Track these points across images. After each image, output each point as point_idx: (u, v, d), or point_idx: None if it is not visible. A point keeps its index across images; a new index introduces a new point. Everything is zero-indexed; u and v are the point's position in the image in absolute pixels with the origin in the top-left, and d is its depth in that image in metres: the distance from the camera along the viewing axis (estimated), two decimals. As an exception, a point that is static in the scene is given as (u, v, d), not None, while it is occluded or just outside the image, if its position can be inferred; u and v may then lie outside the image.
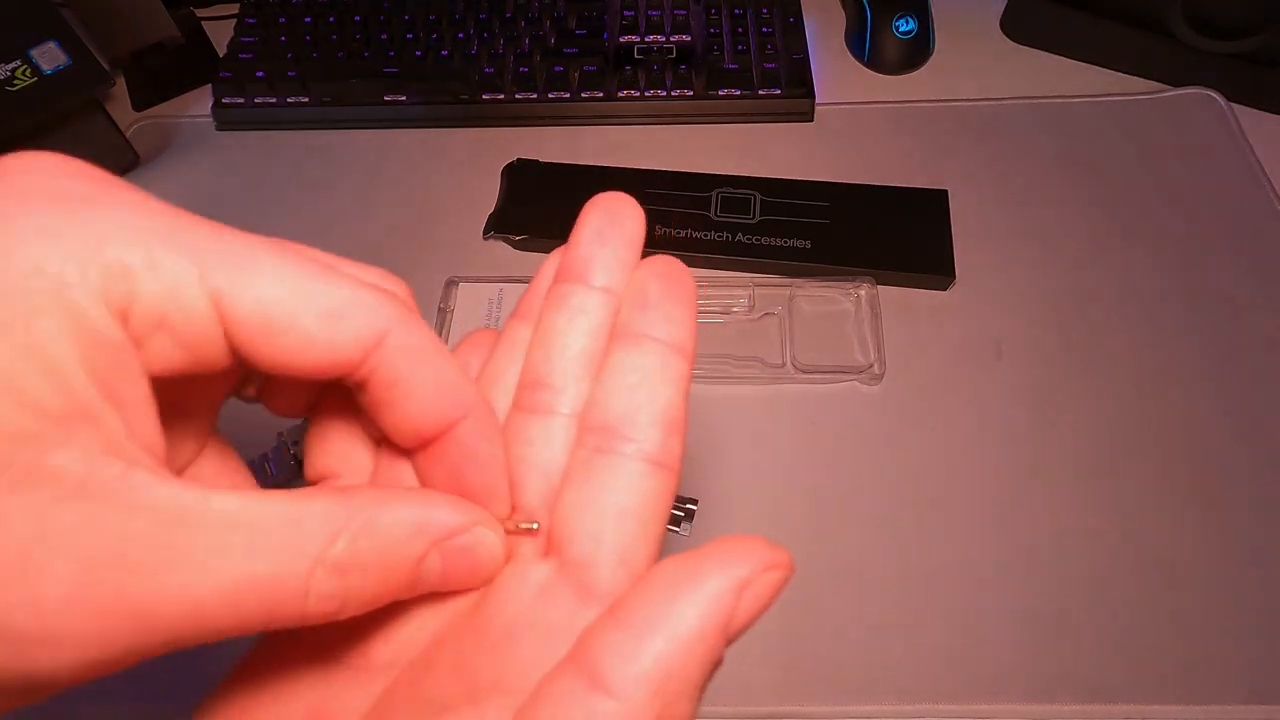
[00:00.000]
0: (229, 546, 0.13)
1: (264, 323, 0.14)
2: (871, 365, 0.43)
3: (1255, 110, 0.54)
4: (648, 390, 0.16)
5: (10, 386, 0.12)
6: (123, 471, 0.12)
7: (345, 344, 0.15)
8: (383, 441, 0.18)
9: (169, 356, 0.14)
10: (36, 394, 0.12)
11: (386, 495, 0.15)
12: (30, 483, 0.11)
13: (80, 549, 0.12)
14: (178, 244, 0.14)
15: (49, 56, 0.47)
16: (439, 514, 0.15)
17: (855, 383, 0.44)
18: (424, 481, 0.17)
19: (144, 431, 0.13)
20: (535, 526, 0.17)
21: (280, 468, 0.41)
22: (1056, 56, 0.57)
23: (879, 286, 0.46)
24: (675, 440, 0.16)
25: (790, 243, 0.47)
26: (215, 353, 0.14)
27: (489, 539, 0.16)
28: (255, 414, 0.19)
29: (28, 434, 0.12)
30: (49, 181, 0.13)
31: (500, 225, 0.49)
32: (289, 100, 0.55)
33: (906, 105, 0.55)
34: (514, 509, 0.17)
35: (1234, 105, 0.53)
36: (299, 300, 0.14)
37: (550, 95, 0.54)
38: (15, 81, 0.46)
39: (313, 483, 0.18)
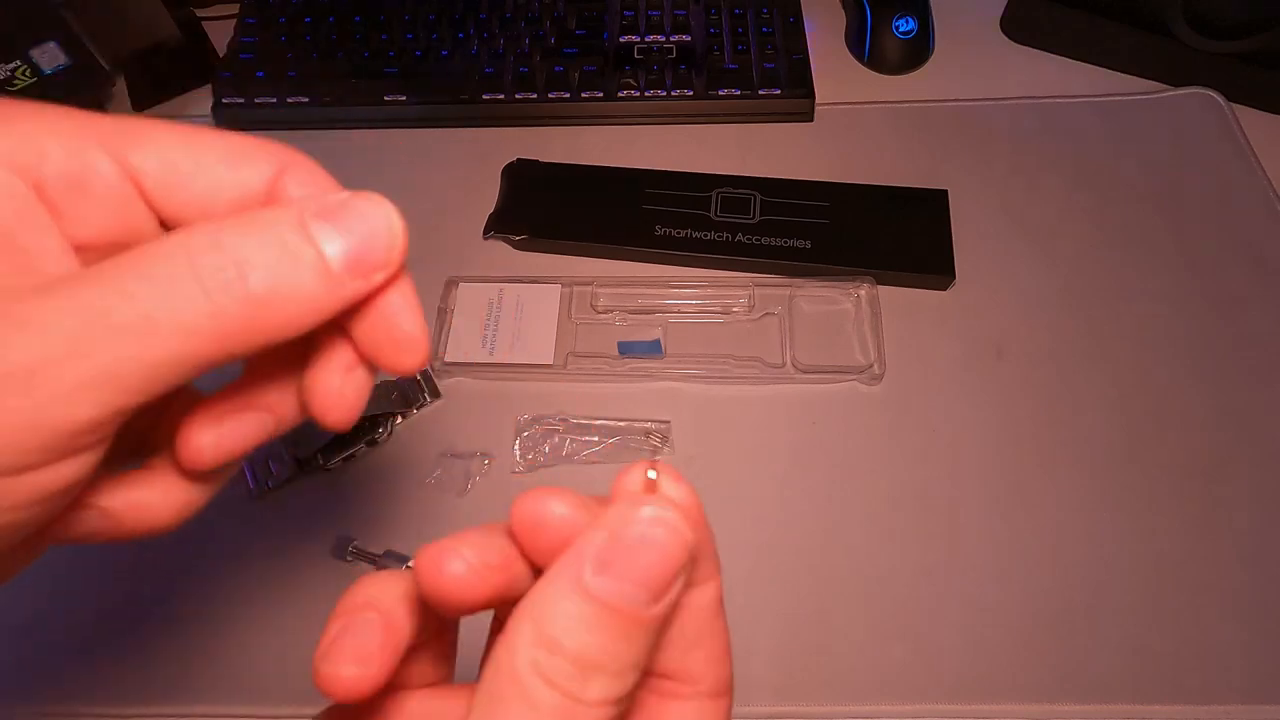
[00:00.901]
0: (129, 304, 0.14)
1: (172, 175, 0.16)
2: (871, 365, 0.43)
3: (1255, 110, 0.54)
4: None
5: None
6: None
7: (250, 178, 0.16)
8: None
9: (95, 221, 0.16)
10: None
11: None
12: None
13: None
14: (85, 127, 0.16)
15: (49, 56, 0.47)
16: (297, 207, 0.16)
17: (855, 383, 0.44)
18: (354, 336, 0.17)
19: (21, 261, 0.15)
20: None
21: (280, 466, 0.41)
22: (1056, 56, 0.58)
23: (879, 286, 0.46)
24: None
25: (790, 243, 0.47)
26: (138, 215, 0.16)
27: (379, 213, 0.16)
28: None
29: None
30: None
31: (500, 225, 0.49)
32: (289, 100, 0.55)
33: (906, 105, 0.55)
34: None
35: (1234, 105, 0.53)
36: (200, 151, 0.16)
37: (550, 95, 0.54)
38: (15, 81, 0.46)
39: None
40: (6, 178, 0.15)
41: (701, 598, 0.17)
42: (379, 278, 0.16)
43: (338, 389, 0.17)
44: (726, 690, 0.18)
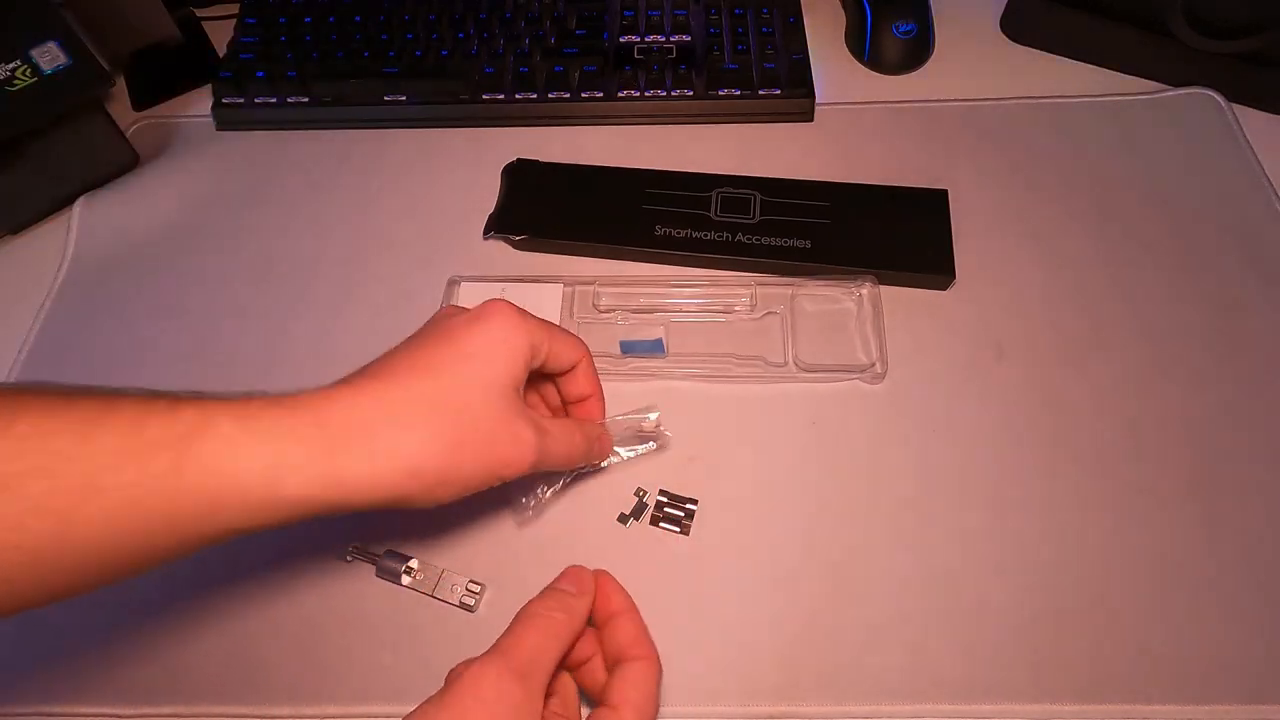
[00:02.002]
0: (561, 430, 0.35)
1: (557, 355, 0.36)
2: (873, 364, 0.43)
3: (1255, 110, 0.54)
4: None
5: (507, 367, 0.32)
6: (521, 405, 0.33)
7: (576, 358, 0.37)
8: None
9: (534, 361, 0.34)
10: (511, 370, 0.33)
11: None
12: (503, 407, 0.32)
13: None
14: (540, 331, 0.34)
15: (49, 56, 0.47)
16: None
17: (858, 382, 0.44)
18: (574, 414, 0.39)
19: (521, 386, 0.34)
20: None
21: None
22: (1056, 56, 0.58)
23: (880, 286, 0.46)
24: None
25: (790, 243, 0.47)
26: (539, 364, 0.35)
27: (609, 438, 0.39)
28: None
29: (507, 393, 0.32)
30: (509, 309, 0.34)
31: (500, 225, 0.49)
32: (289, 100, 0.55)
33: (906, 105, 0.55)
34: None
35: (1234, 105, 0.53)
36: (564, 345, 0.36)
37: (550, 95, 0.54)
38: (15, 81, 0.46)
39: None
40: (530, 355, 0.34)
41: (623, 618, 0.33)
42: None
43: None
44: (649, 657, 0.32)
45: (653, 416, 0.40)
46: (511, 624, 0.31)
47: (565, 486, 0.40)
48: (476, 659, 0.29)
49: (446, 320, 0.34)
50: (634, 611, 0.33)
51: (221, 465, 0.26)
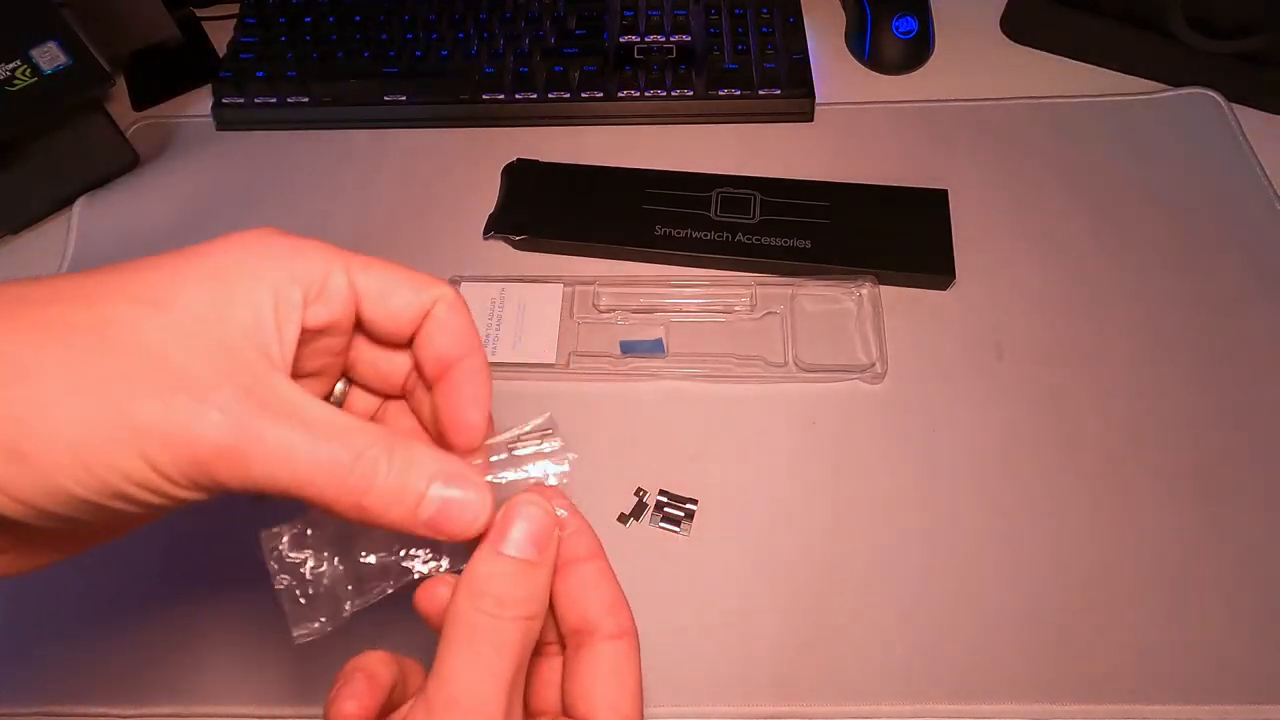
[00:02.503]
0: (306, 427, 0.20)
1: (379, 293, 0.23)
2: (873, 364, 0.43)
3: (1255, 110, 0.54)
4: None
5: (246, 329, 0.20)
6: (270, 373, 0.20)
7: (424, 302, 0.24)
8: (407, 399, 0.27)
9: (321, 316, 0.22)
10: (258, 333, 0.20)
11: (419, 441, 0.22)
12: (240, 374, 0.19)
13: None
14: (336, 258, 0.23)
15: (49, 56, 0.47)
16: (448, 463, 0.22)
17: (858, 381, 0.44)
18: (436, 412, 0.25)
19: (283, 353, 0.21)
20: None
21: None
22: (1056, 56, 0.58)
23: (880, 286, 0.46)
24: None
25: (790, 242, 0.47)
26: (347, 315, 0.23)
27: (475, 500, 0.22)
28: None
29: (247, 354, 0.20)
30: (271, 240, 0.22)
31: (500, 225, 0.49)
32: (289, 100, 0.55)
33: (906, 105, 0.55)
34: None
35: (1234, 105, 0.53)
36: (400, 281, 0.23)
37: (550, 95, 0.54)
38: (15, 81, 0.46)
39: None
40: (293, 291, 0.21)
41: (588, 568, 0.24)
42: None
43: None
44: (628, 632, 0.24)
45: (537, 422, 0.26)
46: (440, 643, 0.21)
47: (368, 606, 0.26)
48: None
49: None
50: (602, 559, 0.24)
51: None
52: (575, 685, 0.23)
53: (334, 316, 0.23)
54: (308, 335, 0.22)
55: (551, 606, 0.24)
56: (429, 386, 0.25)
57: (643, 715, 0.23)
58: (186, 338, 0.19)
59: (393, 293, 0.23)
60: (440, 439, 0.25)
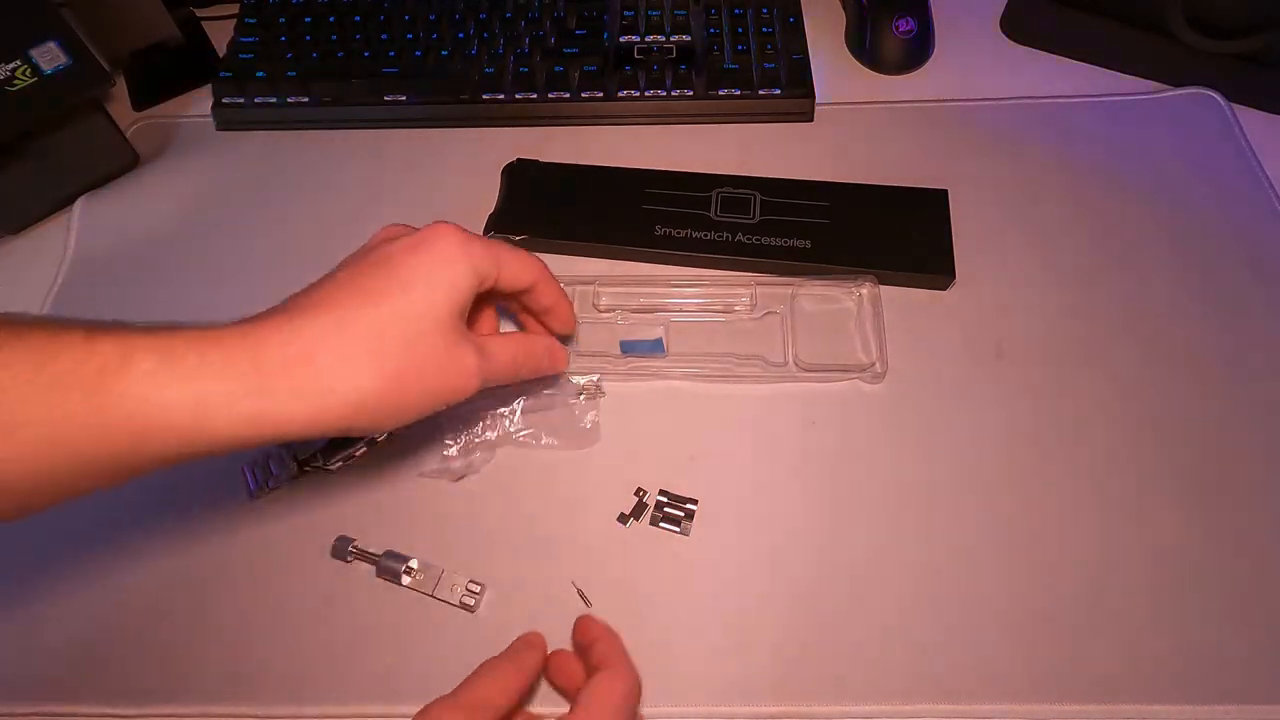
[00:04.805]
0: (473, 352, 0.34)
1: (513, 277, 0.36)
2: (874, 364, 0.43)
3: (1255, 110, 0.54)
4: None
5: (448, 295, 0.32)
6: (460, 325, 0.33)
7: (533, 277, 0.37)
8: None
9: (482, 290, 0.35)
10: (454, 298, 0.33)
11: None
12: (446, 334, 0.32)
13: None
14: (493, 255, 0.35)
15: (49, 56, 0.47)
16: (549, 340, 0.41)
17: (857, 381, 0.44)
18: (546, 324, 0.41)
19: (465, 312, 0.34)
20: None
21: (280, 468, 0.41)
22: (1056, 56, 0.58)
23: (880, 286, 0.46)
24: None
25: (790, 243, 0.47)
26: (492, 286, 0.35)
27: (563, 352, 0.41)
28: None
29: (450, 320, 0.33)
30: (457, 243, 0.34)
31: (500, 225, 0.49)
32: (289, 100, 0.55)
33: (906, 105, 0.55)
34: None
35: (1234, 105, 0.53)
36: (521, 267, 0.37)
37: (550, 95, 0.54)
38: (15, 81, 0.46)
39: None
40: (476, 281, 0.34)
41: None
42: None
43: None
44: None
45: (592, 379, 0.43)
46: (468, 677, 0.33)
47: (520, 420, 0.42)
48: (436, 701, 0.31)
49: (387, 245, 0.33)
50: (612, 635, 0.35)
51: (144, 403, 0.26)
52: (578, 696, 0.32)
53: (488, 289, 0.35)
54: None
55: (586, 666, 0.35)
56: (537, 315, 0.40)
57: (618, 715, 0.31)
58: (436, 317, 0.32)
59: (520, 274, 0.36)
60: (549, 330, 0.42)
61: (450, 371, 0.32)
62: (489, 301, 0.39)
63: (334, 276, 0.33)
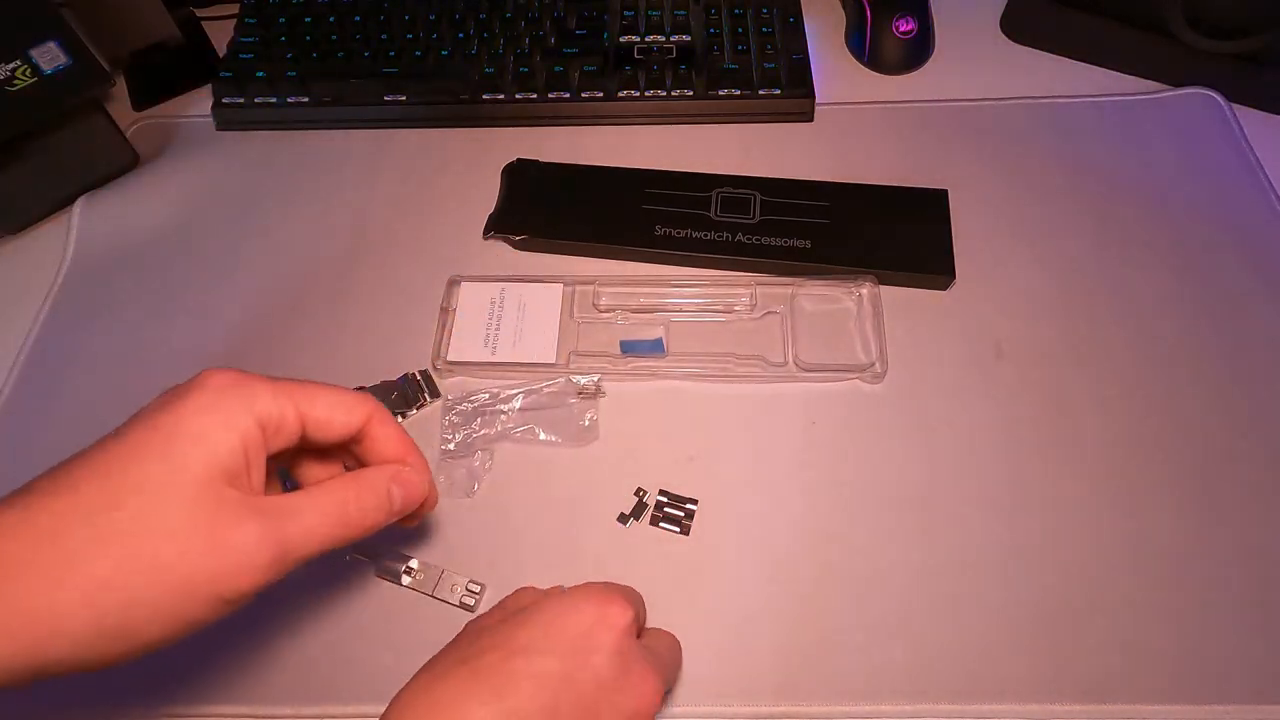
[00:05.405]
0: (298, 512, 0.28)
1: (323, 421, 0.30)
2: (873, 364, 0.43)
3: (1255, 110, 0.54)
4: None
5: (204, 457, 0.26)
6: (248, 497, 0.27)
7: (358, 421, 0.31)
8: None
9: (277, 444, 0.29)
10: (212, 459, 0.26)
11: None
12: (218, 503, 0.26)
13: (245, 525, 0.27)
14: (287, 397, 0.29)
15: (49, 56, 0.47)
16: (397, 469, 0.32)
17: (857, 381, 0.44)
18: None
19: (258, 480, 0.28)
20: None
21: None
22: (1056, 56, 0.58)
23: (880, 286, 0.46)
24: None
25: (790, 243, 0.47)
26: (294, 440, 0.29)
27: (416, 477, 0.32)
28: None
29: (210, 489, 0.26)
30: (231, 388, 0.28)
31: (500, 225, 0.49)
32: (289, 100, 0.55)
33: (906, 105, 0.55)
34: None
35: (1234, 105, 0.53)
36: (335, 405, 0.30)
37: (550, 95, 0.54)
38: (15, 81, 0.46)
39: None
40: (258, 432, 0.27)
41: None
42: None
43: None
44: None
45: (593, 379, 0.43)
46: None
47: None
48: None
49: (155, 400, 0.28)
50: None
51: None
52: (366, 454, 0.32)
53: (288, 443, 0.29)
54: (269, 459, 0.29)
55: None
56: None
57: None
58: (199, 495, 0.26)
59: (332, 419, 0.30)
60: None
61: (211, 554, 0.25)
62: (319, 458, 0.33)
63: (91, 447, 0.27)
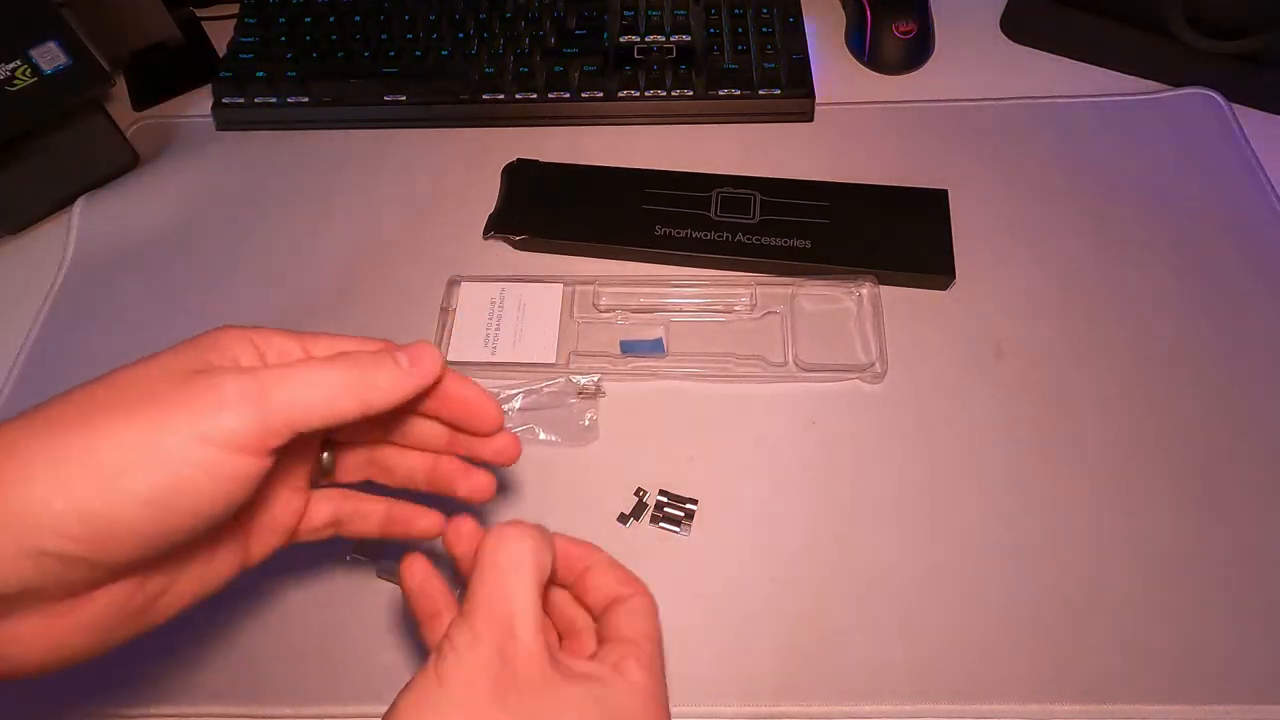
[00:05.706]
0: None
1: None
2: (873, 364, 0.43)
3: (1255, 110, 0.54)
4: None
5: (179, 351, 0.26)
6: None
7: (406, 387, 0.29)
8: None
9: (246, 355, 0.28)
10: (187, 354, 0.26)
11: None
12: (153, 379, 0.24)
13: None
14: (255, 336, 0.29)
15: (49, 56, 0.47)
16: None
17: (857, 381, 0.44)
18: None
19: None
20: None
21: None
22: (1056, 56, 0.58)
23: (880, 286, 0.46)
24: None
25: (790, 243, 0.47)
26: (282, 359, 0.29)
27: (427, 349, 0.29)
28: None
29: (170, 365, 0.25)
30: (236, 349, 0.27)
31: (500, 225, 0.49)
32: (289, 100, 0.55)
33: (906, 105, 0.55)
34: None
35: (1234, 105, 0.53)
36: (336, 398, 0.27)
37: (550, 95, 0.54)
38: (15, 81, 0.46)
39: None
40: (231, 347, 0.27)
41: (595, 567, 0.29)
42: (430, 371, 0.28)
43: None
44: (644, 591, 0.29)
45: (593, 379, 0.42)
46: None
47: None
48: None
49: None
50: (602, 559, 0.30)
51: None
52: (612, 624, 0.27)
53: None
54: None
55: (585, 598, 0.29)
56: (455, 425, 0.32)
57: (663, 656, 0.27)
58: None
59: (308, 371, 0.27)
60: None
61: (191, 387, 0.23)
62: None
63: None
